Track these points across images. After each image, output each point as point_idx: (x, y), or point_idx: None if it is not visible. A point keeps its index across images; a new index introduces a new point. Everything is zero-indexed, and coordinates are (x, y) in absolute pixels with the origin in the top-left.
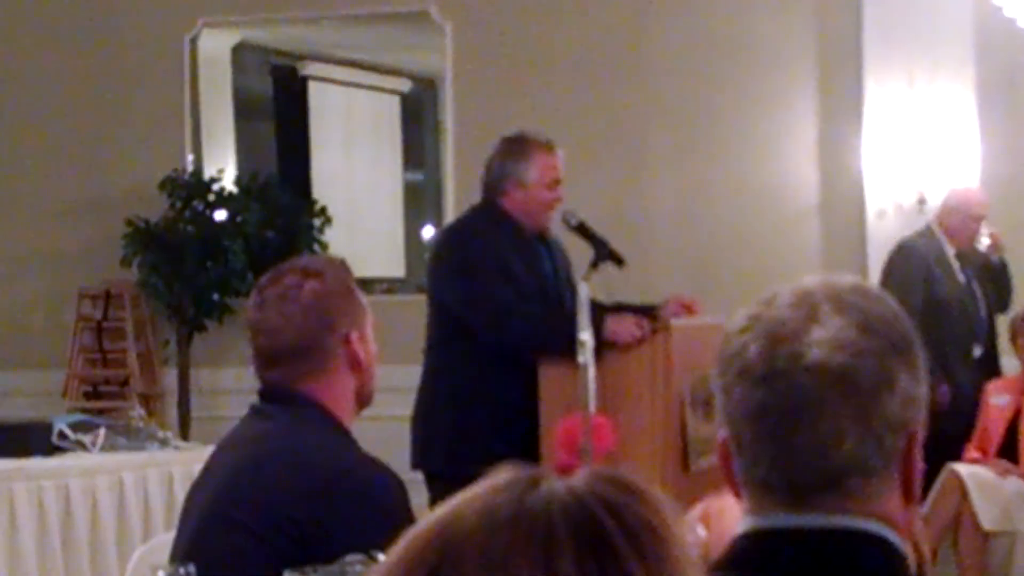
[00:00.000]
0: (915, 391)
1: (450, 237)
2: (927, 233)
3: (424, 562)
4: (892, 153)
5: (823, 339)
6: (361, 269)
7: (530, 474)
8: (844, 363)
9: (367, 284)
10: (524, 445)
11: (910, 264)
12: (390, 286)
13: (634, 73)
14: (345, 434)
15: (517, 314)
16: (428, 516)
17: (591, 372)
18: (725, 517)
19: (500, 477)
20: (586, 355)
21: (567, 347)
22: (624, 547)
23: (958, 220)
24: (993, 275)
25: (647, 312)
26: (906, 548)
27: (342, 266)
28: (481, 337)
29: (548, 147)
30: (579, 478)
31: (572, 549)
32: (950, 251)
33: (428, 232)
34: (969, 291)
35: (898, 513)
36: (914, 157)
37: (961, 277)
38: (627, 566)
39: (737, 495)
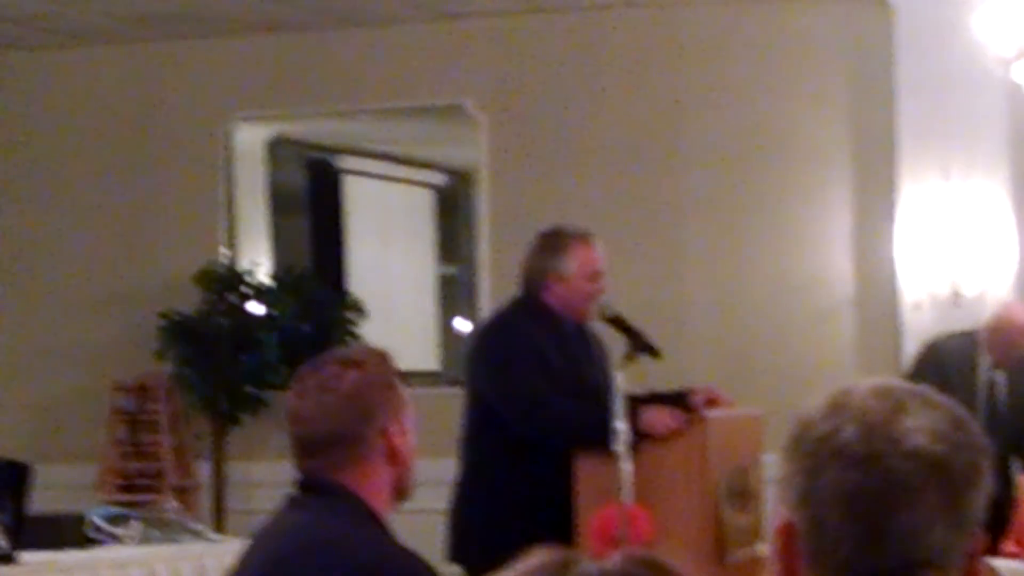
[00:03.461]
0: (989, 492)
1: (489, 330)
2: (969, 336)
3: None
4: (926, 245)
5: (921, 427)
6: (396, 362)
7: (563, 556)
8: (943, 453)
9: (401, 377)
10: (561, 537)
11: (926, 361)
12: (425, 379)
13: (670, 166)
14: (381, 526)
15: (553, 408)
16: None
17: (625, 463)
18: None
19: (533, 560)
20: (621, 445)
21: (602, 440)
22: None
23: (999, 338)
24: None
25: (678, 399)
26: None
27: (384, 357)
28: (516, 430)
29: (586, 239)
30: (612, 560)
31: None
32: (985, 361)
33: (462, 325)
34: (990, 405)
35: None
36: (948, 249)
37: (982, 391)
38: None
39: None
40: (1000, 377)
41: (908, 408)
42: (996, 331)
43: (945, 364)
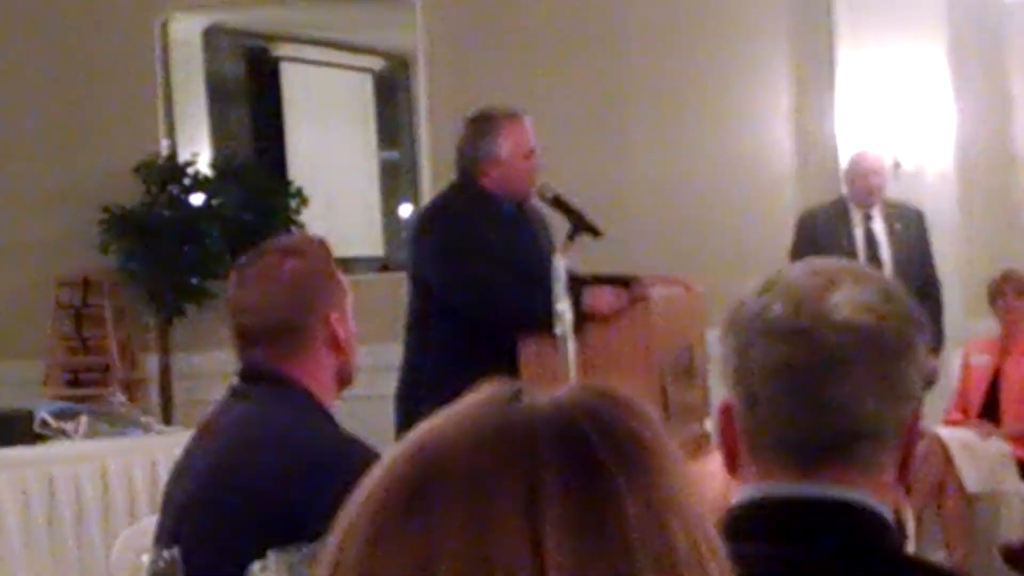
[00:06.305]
0: (924, 364)
1: (430, 217)
2: (837, 202)
3: (407, 478)
4: (866, 118)
5: (849, 300)
6: (339, 249)
7: (512, 388)
8: (871, 324)
9: (346, 263)
10: None
11: (800, 235)
12: (368, 265)
13: (609, 45)
14: (325, 413)
15: (498, 292)
16: (411, 434)
17: (570, 344)
18: (705, 482)
19: (482, 392)
20: (564, 327)
21: (549, 322)
22: (609, 459)
23: (858, 183)
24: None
25: (625, 283)
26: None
27: (322, 246)
28: (463, 316)
29: (515, 118)
30: (565, 391)
31: (555, 462)
32: (856, 218)
33: (405, 210)
34: (871, 262)
35: (891, 488)
36: (888, 121)
37: (860, 244)
38: (613, 478)
39: (732, 460)
40: (879, 230)
41: (838, 283)
42: (852, 178)
43: (817, 232)
